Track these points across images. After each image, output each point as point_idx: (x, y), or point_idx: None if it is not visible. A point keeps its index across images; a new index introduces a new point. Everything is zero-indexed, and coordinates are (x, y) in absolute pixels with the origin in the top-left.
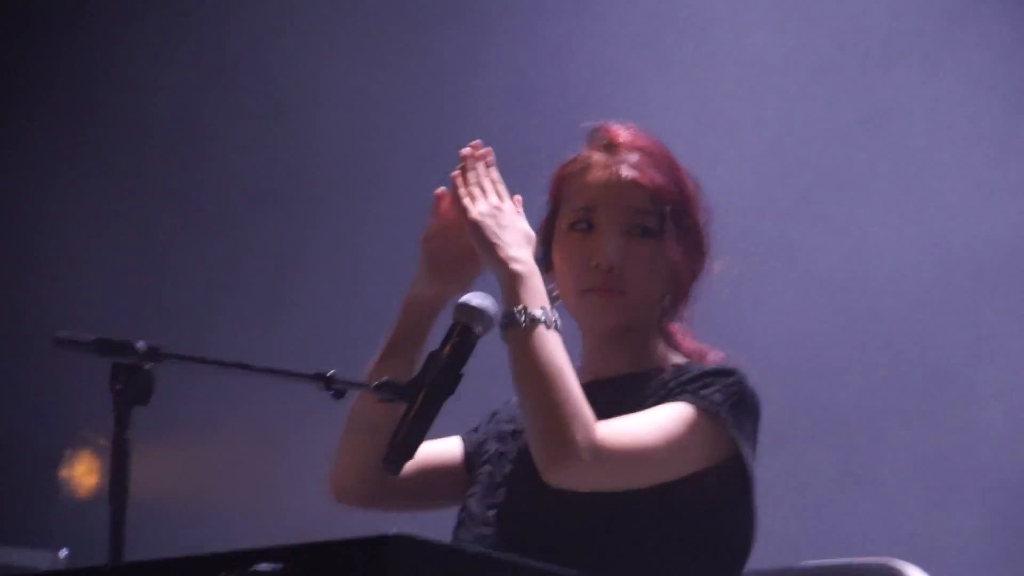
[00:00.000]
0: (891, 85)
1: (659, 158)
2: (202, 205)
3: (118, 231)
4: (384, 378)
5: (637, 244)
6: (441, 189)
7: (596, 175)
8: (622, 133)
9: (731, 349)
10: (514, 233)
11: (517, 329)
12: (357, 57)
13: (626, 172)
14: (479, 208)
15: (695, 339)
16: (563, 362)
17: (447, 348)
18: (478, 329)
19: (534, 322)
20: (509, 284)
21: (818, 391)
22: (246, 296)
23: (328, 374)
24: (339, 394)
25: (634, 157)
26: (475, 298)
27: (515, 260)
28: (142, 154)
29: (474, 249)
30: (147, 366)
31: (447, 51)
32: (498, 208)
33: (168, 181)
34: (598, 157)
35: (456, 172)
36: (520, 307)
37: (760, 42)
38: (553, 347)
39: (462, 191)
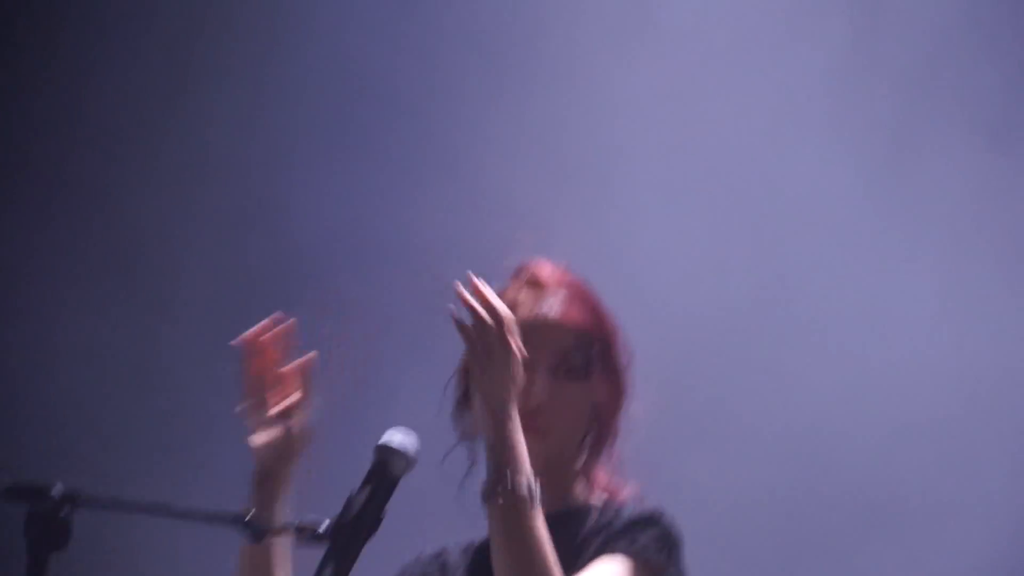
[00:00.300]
0: (837, 216)
1: (584, 297)
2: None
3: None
4: (303, 520)
5: (562, 384)
6: (242, 338)
7: (522, 314)
8: (547, 271)
9: (684, 498)
10: (515, 392)
11: (504, 500)
12: (324, 166)
13: (552, 311)
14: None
15: (608, 474)
16: (547, 538)
17: (365, 491)
18: (398, 470)
19: (523, 495)
20: (501, 448)
21: (788, 541)
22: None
23: (246, 517)
24: (257, 537)
25: (560, 296)
26: (395, 437)
27: (512, 423)
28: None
29: (293, 405)
30: (64, 511)
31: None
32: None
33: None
34: (524, 295)
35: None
36: (509, 477)
37: (689, 172)
38: (538, 522)
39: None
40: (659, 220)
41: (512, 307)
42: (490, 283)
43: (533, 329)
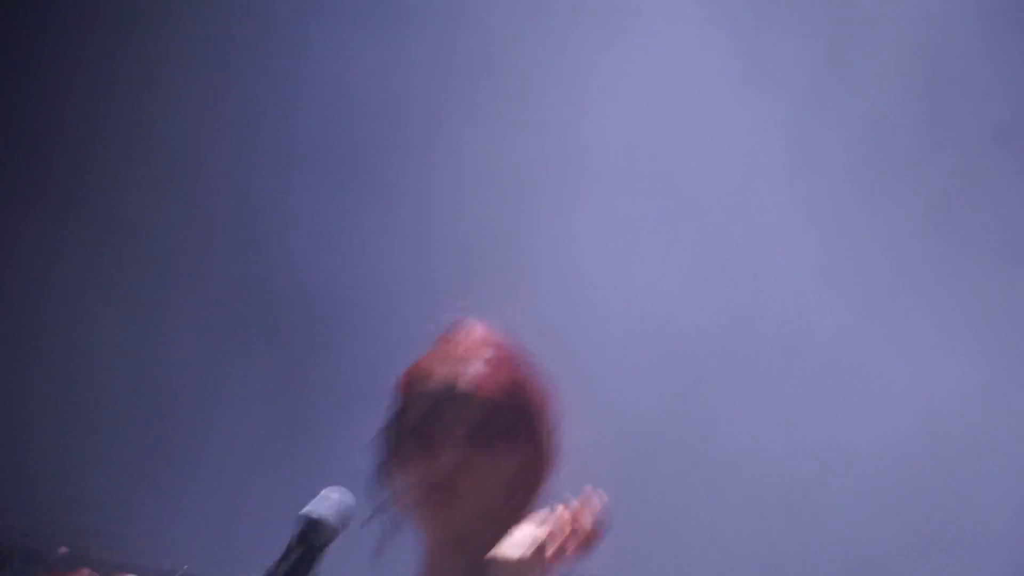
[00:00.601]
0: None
1: (505, 365)
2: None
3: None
4: None
5: (475, 453)
6: None
7: (438, 381)
8: (468, 338)
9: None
10: None
11: None
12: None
13: (468, 379)
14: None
15: None
16: None
17: (282, 565)
18: (321, 540)
19: None
20: None
21: None
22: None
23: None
24: None
25: (479, 363)
26: (319, 507)
27: None
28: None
29: None
30: None
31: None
32: None
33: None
34: (442, 362)
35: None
36: None
37: (646, 218)
38: None
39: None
40: (623, 260)
41: (430, 373)
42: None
43: (446, 398)
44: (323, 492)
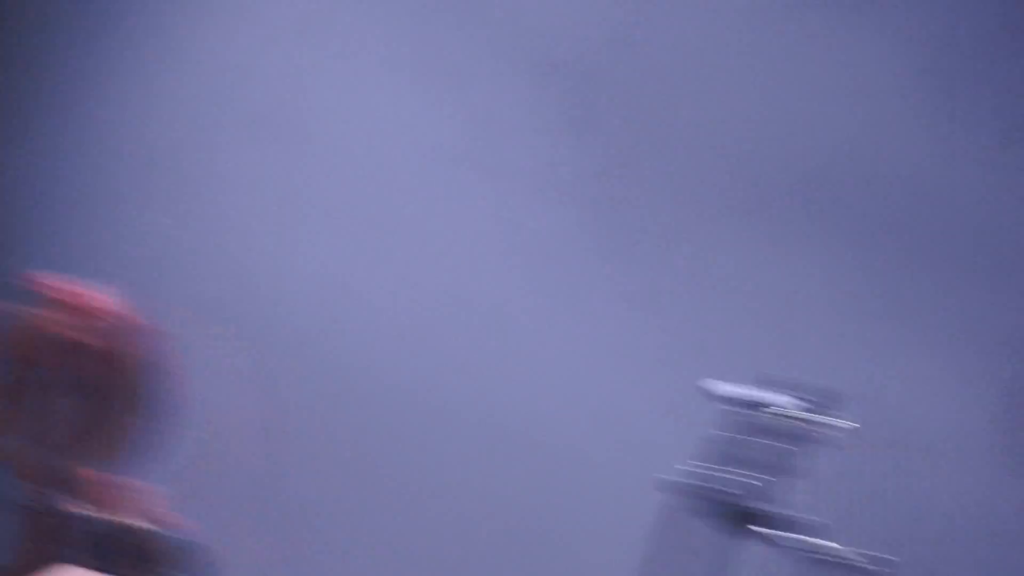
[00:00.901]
0: None
1: (114, 323)
2: None
3: None
4: None
5: (69, 403)
6: None
7: (42, 336)
8: (59, 290)
9: None
10: None
11: None
12: None
13: (72, 333)
14: None
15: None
16: None
17: None
18: None
19: None
20: None
21: None
22: None
23: None
24: None
25: (62, 315)
26: None
27: None
28: None
29: None
30: None
31: None
32: None
33: None
34: (50, 319)
35: None
36: None
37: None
38: None
39: None
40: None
41: (34, 330)
42: None
43: (47, 352)
44: None
